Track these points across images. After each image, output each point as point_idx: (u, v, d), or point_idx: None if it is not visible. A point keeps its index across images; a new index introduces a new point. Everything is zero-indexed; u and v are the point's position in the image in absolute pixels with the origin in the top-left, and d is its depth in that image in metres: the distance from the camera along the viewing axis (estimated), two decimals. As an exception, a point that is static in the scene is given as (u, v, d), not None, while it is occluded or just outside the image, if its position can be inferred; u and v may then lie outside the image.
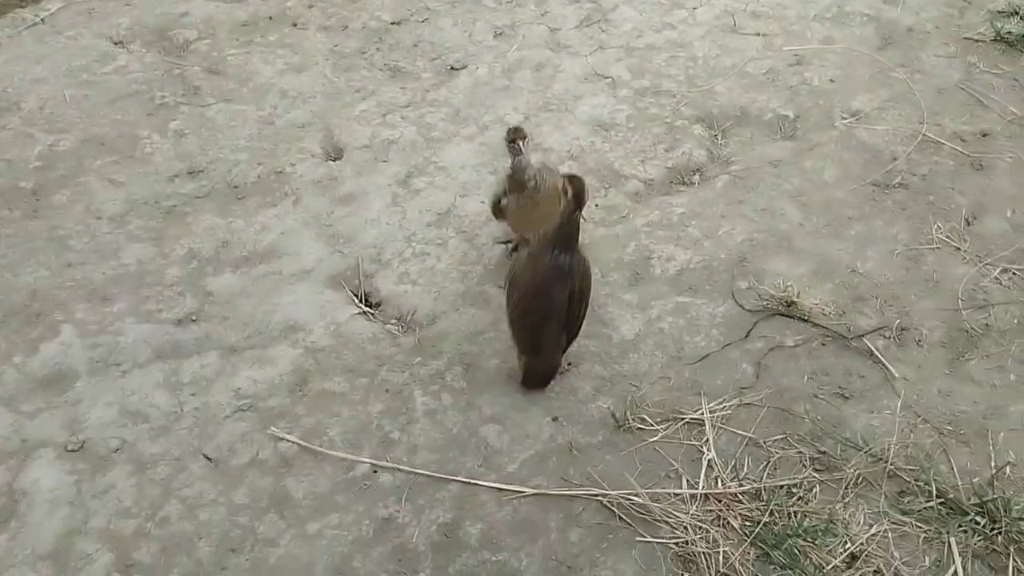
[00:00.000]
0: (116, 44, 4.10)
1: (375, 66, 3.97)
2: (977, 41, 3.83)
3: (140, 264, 3.23)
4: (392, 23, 4.14)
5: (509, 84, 3.85)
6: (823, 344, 2.92)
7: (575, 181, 2.62)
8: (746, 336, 2.94)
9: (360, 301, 3.16)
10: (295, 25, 4.16)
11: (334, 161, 3.62)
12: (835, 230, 3.24)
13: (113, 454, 2.71)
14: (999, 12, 3.89)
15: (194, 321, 3.11)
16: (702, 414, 2.71)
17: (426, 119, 3.72)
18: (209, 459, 2.70)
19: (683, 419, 2.70)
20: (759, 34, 3.97)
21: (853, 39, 3.91)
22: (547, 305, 2.69)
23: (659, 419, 2.70)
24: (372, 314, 3.12)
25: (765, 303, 3.02)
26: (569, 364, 2.89)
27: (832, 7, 4.05)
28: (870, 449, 2.57)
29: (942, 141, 3.47)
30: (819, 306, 3.00)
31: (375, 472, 2.67)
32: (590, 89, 3.79)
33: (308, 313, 3.10)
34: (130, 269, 3.24)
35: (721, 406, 2.73)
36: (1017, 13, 3.86)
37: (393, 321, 3.09)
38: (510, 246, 3.25)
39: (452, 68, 3.93)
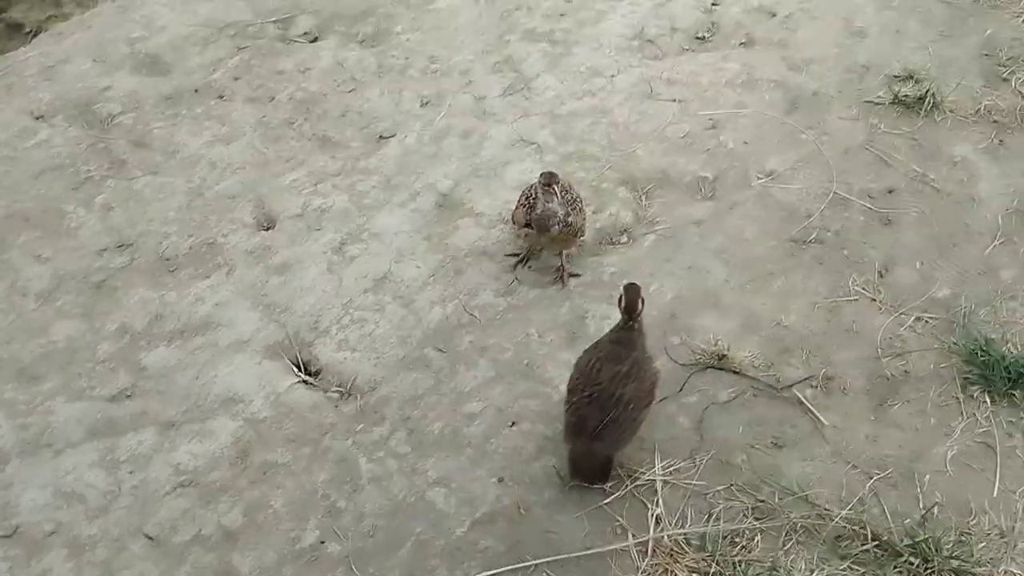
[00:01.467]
0: (37, 119, 4.05)
1: (304, 136, 4.01)
2: (877, 104, 4.07)
3: (70, 341, 3.17)
4: (320, 94, 4.19)
5: (438, 151, 3.93)
6: (755, 396, 3.03)
7: (629, 291, 2.70)
8: (680, 390, 3.04)
9: (299, 370, 3.16)
10: (221, 97, 4.18)
11: (267, 231, 3.63)
12: (758, 285, 3.38)
13: (48, 538, 2.64)
14: (895, 76, 4.16)
15: (129, 397, 3.06)
16: (645, 469, 2.78)
17: (357, 187, 3.77)
18: (150, 538, 2.66)
19: (628, 475, 2.77)
20: (675, 100, 4.14)
21: (763, 104, 4.11)
22: (592, 383, 2.67)
23: (604, 475, 2.77)
24: (312, 382, 3.12)
25: (698, 358, 3.13)
26: (512, 424, 2.94)
27: (741, 74, 4.26)
28: (806, 495, 2.68)
29: (852, 198, 3.67)
30: (748, 359, 3.12)
31: (322, 543, 2.66)
32: (517, 155, 3.90)
33: (247, 384, 3.08)
34: (59, 346, 3.18)
35: (663, 461, 2.81)
36: (912, 77, 4.12)
37: (334, 388, 3.10)
38: (519, 258, 3.46)
39: (381, 137, 3.99)
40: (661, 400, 2.96)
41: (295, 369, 3.15)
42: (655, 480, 2.77)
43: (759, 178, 3.78)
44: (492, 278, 3.41)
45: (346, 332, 3.24)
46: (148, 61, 4.36)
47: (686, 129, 3.99)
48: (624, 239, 3.59)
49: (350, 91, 4.22)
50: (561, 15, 4.64)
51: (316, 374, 3.16)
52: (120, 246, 3.54)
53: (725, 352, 3.11)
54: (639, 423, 2.74)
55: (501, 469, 2.82)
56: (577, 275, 3.42)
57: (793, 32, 4.50)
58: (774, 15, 4.62)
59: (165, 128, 4.03)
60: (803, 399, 3.00)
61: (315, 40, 4.51)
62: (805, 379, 3.04)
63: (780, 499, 2.69)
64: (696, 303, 3.32)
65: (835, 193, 3.69)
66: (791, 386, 3.02)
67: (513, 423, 2.95)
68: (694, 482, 2.76)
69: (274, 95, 4.19)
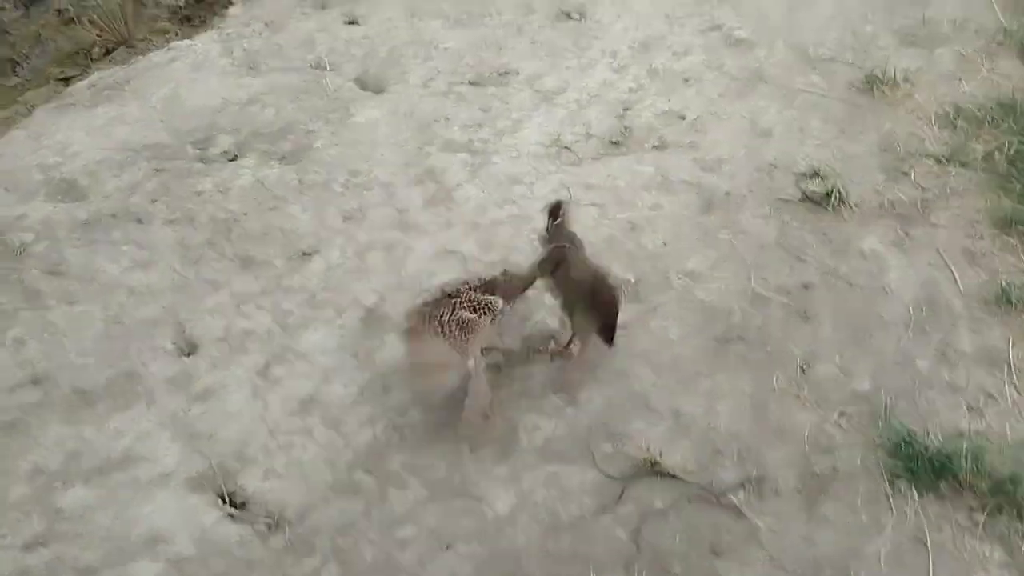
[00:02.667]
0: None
1: (225, 256, 3.97)
2: (787, 201, 4.21)
3: (-20, 487, 3.03)
4: (240, 212, 4.17)
5: (362, 265, 3.93)
6: (690, 502, 3.03)
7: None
8: (617, 501, 3.02)
9: (225, 502, 3.06)
10: (139, 221, 4.13)
11: (188, 356, 3.55)
12: (686, 386, 3.42)
13: None
14: (802, 174, 4.32)
15: (43, 544, 2.92)
16: (584, 587, 2.75)
17: (282, 306, 3.73)
18: None
19: (566, 594, 2.72)
20: (594, 204, 4.23)
21: (679, 205, 4.23)
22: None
23: (543, 596, 2.71)
24: (238, 515, 3.02)
25: (630, 465, 3.12)
26: (448, 546, 2.88)
27: (656, 176, 4.38)
28: (747, 604, 2.66)
29: (769, 295, 3.76)
30: (681, 464, 3.12)
31: None
32: (442, 266, 3.91)
33: (170, 521, 2.97)
34: (-32, 493, 3.03)
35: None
36: (818, 174, 4.29)
37: (262, 520, 3.00)
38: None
39: (304, 253, 3.98)
40: (599, 514, 2.95)
41: (220, 502, 3.05)
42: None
43: (679, 278, 3.86)
44: (421, 393, 3.38)
45: (272, 459, 3.16)
46: (63, 187, 4.31)
47: (607, 233, 4.07)
48: (552, 346, 3.60)
49: (271, 208, 4.21)
50: (479, 125, 4.74)
51: (242, 506, 3.06)
52: (34, 381, 3.42)
53: (657, 458, 3.11)
54: None
55: (439, 595, 2.75)
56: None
57: (703, 134, 4.67)
58: (683, 118, 4.79)
59: (81, 254, 3.95)
60: (737, 503, 3.00)
61: (234, 159, 4.52)
62: (739, 484, 3.06)
63: (721, 609, 2.67)
64: (626, 408, 3.33)
65: (753, 290, 3.78)
66: (726, 492, 3.03)
67: (448, 545, 2.89)
68: (634, 596, 2.73)
69: (193, 216, 4.16)
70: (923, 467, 2.99)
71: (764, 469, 3.10)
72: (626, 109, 4.86)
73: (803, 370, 3.43)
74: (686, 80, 5.08)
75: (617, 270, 3.89)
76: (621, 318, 3.43)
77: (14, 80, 6.06)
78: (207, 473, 3.13)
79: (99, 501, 3.04)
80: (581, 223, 4.12)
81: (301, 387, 3.41)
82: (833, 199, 4.12)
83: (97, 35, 5.93)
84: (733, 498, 3.02)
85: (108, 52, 5.87)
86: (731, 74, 5.12)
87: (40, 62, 6.12)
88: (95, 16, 5.92)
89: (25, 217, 4.11)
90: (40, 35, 6.28)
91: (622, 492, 3.04)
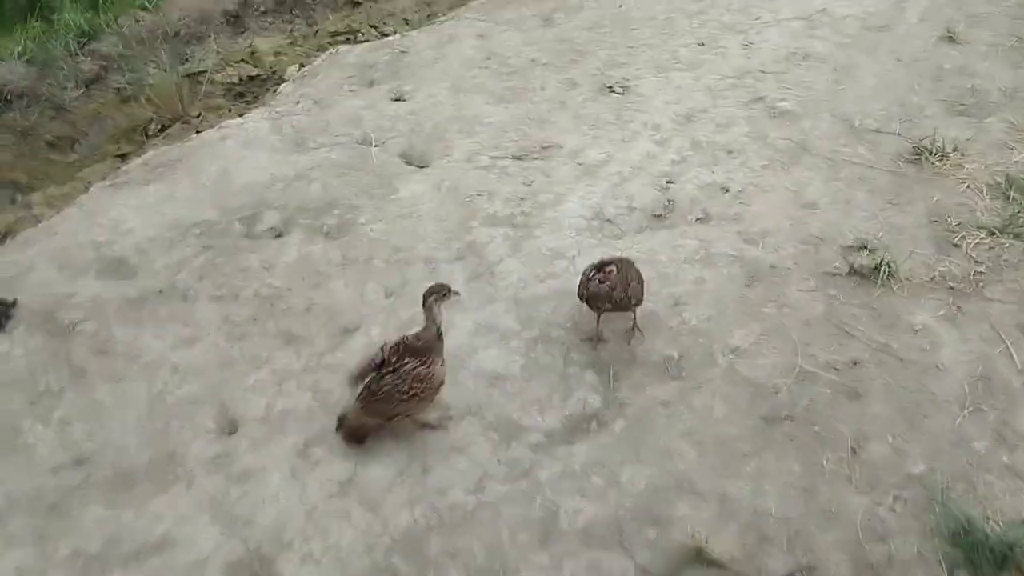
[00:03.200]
0: (-3, 330, 4.03)
1: (268, 333, 3.99)
2: (834, 275, 4.14)
3: (19, 572, 3.03)
4: (284, 289, 4.21)
5: (404, 343, 3.92)
6: (737, 591, 2.92)
7: None
8: (662, 591, 2.93)
9: (262, 589, 3.03)
10: (185, 298, 4.18)
11: (229, 436, 3.55)
12: (732, 468, 3.33)
13: None
14: (849, 247, 4.24)
15: (80, 631, 2.91)
16: None
17: (322, 384, 3.73)
18: None
19: None
20: (637, 279, 4.20)
21: (722, 279, 4.17)
22: None
23: None
24: (276, 602, 2.99)
25: (675, 553, 3.03)
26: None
27: (699, 250, 4.33)
28: None
29: (818, 372, 3.66)
30: (728, 552, 3.02)
31: None
32: (483, 342, 3.89)
33: (207, 608, 2.94)
34: (8, 576, 3.03)
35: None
36: (865, 247, 4.21)
37: (298, 608, 2.96)
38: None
39: (345, 330, 3.99)
40: (640, 601, 2.86)
41: (258, 587, 3.02)
42: None
43: (724, 355, 3.78)
44: (461, 474, 3.33)
45: (310, 544, 3.13)
46: (114, 265, 4.38)
47: (649, 308, 4.02)
48: (593, 425, 3.55)
49: (314, 285, 4.24)
50: (521, 199, 4.75)
51: (280, 592, 3.03)
52: (77, 462, 3.45)
53: (703, 545, 3.02)
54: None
55: None
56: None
57: (747, 206, 4.63)
58: (727, 190, 4.76)
59: (129, 332, 4.00)
60: (788, 592, 2.89)
61: (280, 235, 4.57)
62: (790, 573, 2.94)
63: None
64: (670, 491, 3.25)
65: (801, 367, 3.69)
66: (773, 580, 2.93)
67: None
68: None
69: (238, 293, 4.20)
70: (984, 557, 2.85)
71: (815, 557, 2.98)
72: (669, 182, 4.84)
73: (854, 451, 3.33)
74: (729, 152, 5.06)
75: (660, 346, 3.84)
76: (663, 395, 3.39)
77: (72, 157, 6.24)
78: (244, 559, 3.10)
79: (136, 586, 3.03)
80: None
81: (340, 468, 3.38)
82: (882, 272, 4.03)
83: (153, 112, 6.11)
84: (781, 587, 2.91)
85: (164, 128, 6.04)
86: (775, 146, 5.09)
87: (98, 139, 6.30)
88: (152, 94, 6.11)
89: (75, 295, 4.19)
90: (99, 113, 6.48)
91: (667, 582, 2.95)
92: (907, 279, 4.02)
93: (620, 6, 6.76)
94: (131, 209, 4.76)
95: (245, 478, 3.37)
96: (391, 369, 3.34)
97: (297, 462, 3.41)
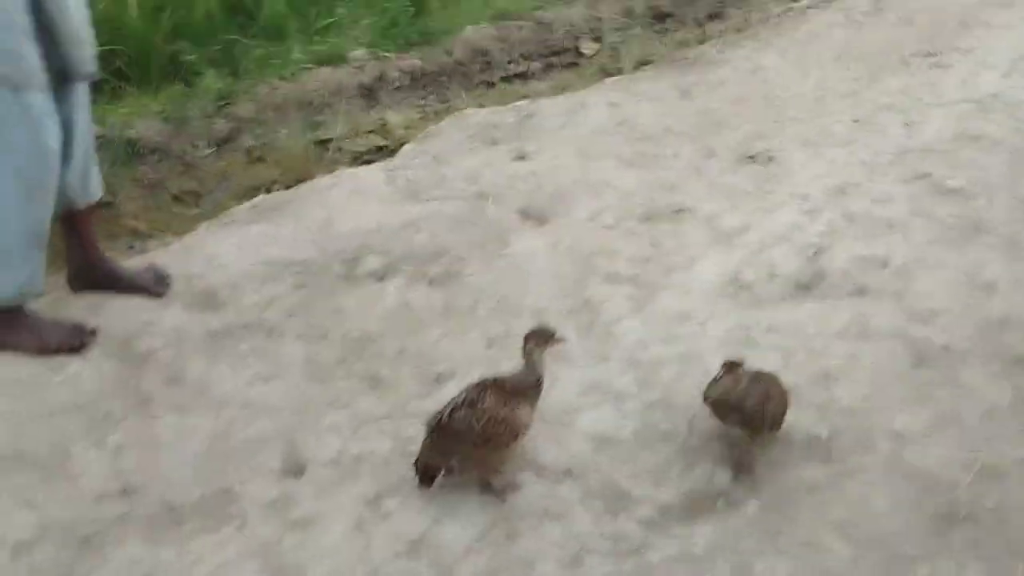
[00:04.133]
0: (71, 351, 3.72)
1: (353, 375, 3.56)
2: (1022, 360, 3.46)
3: (34, 606, 2.60)
4: (377, 333, 3.80)
5: (503, 397, 3.42)
6: None
7: None
8: None
9: (303, 655, 2.50)
10: (270, 334, 3.82)
11: (294, 478, 3.09)
12: (895, 570, 2.64)
13: None
14: (1041, 331, 3.57)
15: None
16: None
17: (404, 432, 3.24)
18: None
19: None
20: (777, 348, 3.60)
21: (882, 356, 3.53)
22: None
23: None
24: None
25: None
26: None
27: (853, 325, 3.71)
28: None
29: (1008, 469, 2.96)
30: (893, 670, 2.33)
31: None
32: (591, 402, 3.35)
33: (234, 670, 2.42)
34: (19, 615, 2.60)
35: None
36: (1061, 331, 3.53)
37: None
38: None
39: (439, 378, 3.52)
40: None
41: (299, 653, 2.49)
42: None
43: (885, 440, 3.12)
44: (554, 545, 2.75)
45: (366, 608, 2.60)
46: (202, 298, 4.07)
47: (790, 380, 3.40)
48: (720, 504, 2.92)
49: (411, 332, 3.81)
50: (647, 260, 4.26)
51: (324, 661, 2.49)
52: (123, 492, 3.04)
53: (860, 660, 2.34)
54: None
55: None
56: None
57: (909, 282, 4.00)
58: (886, 265, 4.14)
59: (203, 364, 3.64)
60: None
61: (381, 279, 4.19)
62: None
63: None
64: (816, 590, 2.58)
65: (984, 462, 3.00)
66: None
67: None
68: None
69: (327, 333, 3.81)
70: None
71: None
72: (816, 253, 4.26)
73: (1058, 564, 2.59)
74: (889, 226, 4.45)
75: (805, 423, 3.21)
76: (808, 478, 2.76)
77: (195, 211, 6.11)
78: (290, 617, 2.59)
79: (161, 636, 2.55)
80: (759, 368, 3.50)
81: (413, 524, 2.86)
82: (1084, 359, 3.32)
83: (279, 174, 5.97)
84: None
85: (287, 189, 5.88)
86: (943, 222, 4.46)
87: (222, 196, 6.16)
88: (279, 157, 5.99)
89: (157, 323, 3.87)
90: (227, 171, 6.39)
91: None
92: (1116, 368, 3.29)
93: (765, 81, 6.31)
94: (229, 246, 4.49)
95: (304, 525, 2.88)
96: (468, 404, 2.87)
97: (364, 513, 2.91)
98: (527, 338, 3.02)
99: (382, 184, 5.08)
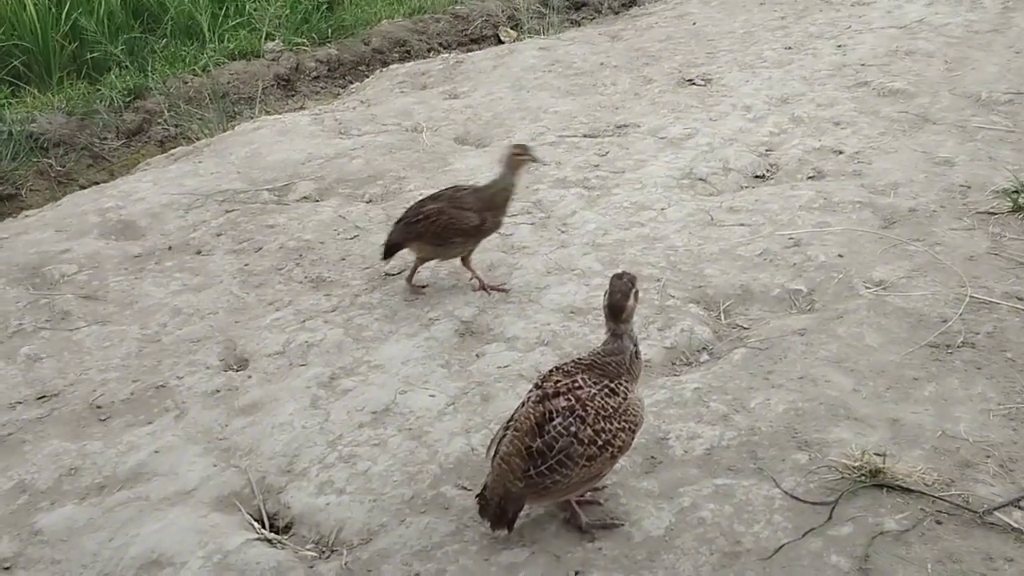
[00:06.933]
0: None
1: (293, 280, 3.27)
2: (993, 214, 3.35)
3: (-58, 501, 2.23)
4: (316, 242, 3.51)
5: (456, 283, 3.17)
6: (938, 523, 2.01)
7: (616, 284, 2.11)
8: (829, 519, 2.02)
9: (261, 525, 2.18)
10: (199, 252, 3.50)
11: (236, 371, 2.78)
12: (902, 393, 2.45)
13: None
14: (1006, 190, 3.46)
15: (7, 569, 2.08)
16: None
17: (355, 321, 2.96)
18: None
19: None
20: (743, 224, 3.43)
21: (851, 222, 3.39)
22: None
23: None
24: (278, 540, 2.13)
25: (838, 478, 2.14)
26: (577, 572, 1.91)
27: (818, 199, 3.57)
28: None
29: (996, 301, 2.82)
30: (917, 474, 2.12)
31: None
32: (556, 280, 3.12)
33: (179, 542, 2.10)
34: (-74, 509, 2.23)
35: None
36: (1024, 189, 3.43)
37: (310, 546, 2.10)
38: None
39: (387, 274, 3.25)
40: (806, 534, 1.97)
41: (255, 524, 2.17)
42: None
43: (867, 287, 2.96)
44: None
45: (330, 472, 2.29)
46: (119, 227, 3.73)
47: (762, 247, 3.24)
48: (705, 356, 2.71)
49: (352, 237, 3.54)
50: (595, 166, 4.07)
51: (285, 529, 2.18)
52: (41, 397, 2.69)
53: (881, 466, 2.12)
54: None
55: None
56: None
57: (868, 165, 3.90)
58: (841, 152, 4.04)
59: (125, 282, 3.30)
60: (1014, 524, 1.97)
61: (316, 202, 3.90)
62: (1015, 500, 2.03)
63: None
64: (820, 416, 2.37)
65: (972, 297, 2.85)
66: (994, 510, 2.01)
67: (577, 572, 1.92)
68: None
69: (261, 246, 3.51)
70: None
71: (1044, 480, 2.07)
72: (768, 150, 4.14)
73: (1068, 371, 2.43)
74: (837, 124, 4.36)
75: (781, 280, 3.03)
76: (795, 325, 2.56)
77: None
78: (241, 491, 2.28)
79: (91, 522, 2.20)
80: (727, 240, 3.32)
81: (374, 397, 2.57)
82: (1055, 204, 3.22)
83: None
84: (1005, 518, 1.99)
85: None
86: (891, 118, 4.38)
87: (135, 181, 5.84)
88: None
89: (69, 251, 3.51)
90: (138, 162, 6.04)
91: (835, 503, 2.04)
92: (1088, 206, 3.20)
93: (693, 23, 6.24)
94: (147, 183, 4.15)
95: (251, 410, 2.58)
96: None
97: (319, 392, 2.63)
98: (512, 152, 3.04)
99: (308, 124, 4.79)
